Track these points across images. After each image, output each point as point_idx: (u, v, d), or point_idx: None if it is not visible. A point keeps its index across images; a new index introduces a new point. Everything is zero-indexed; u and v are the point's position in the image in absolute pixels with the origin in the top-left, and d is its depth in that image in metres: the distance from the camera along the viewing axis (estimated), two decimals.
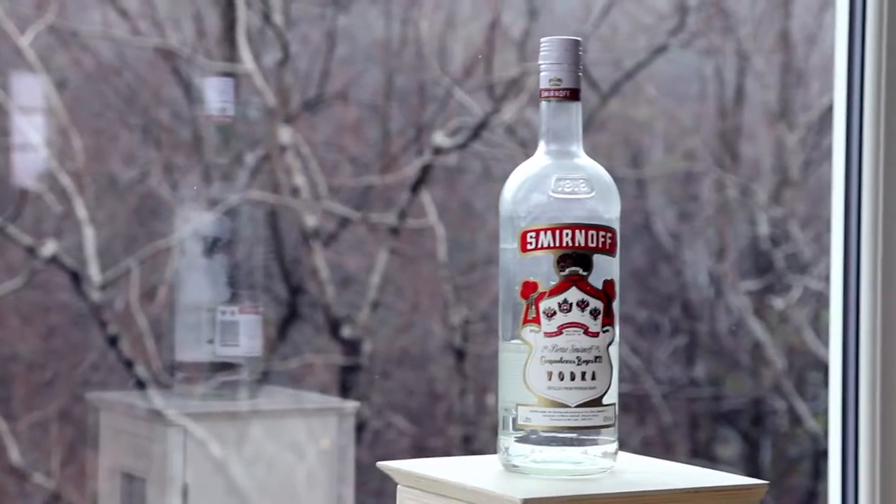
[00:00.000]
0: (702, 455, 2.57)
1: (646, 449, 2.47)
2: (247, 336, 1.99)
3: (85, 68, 2.17)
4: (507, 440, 1.24)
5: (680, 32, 2.54)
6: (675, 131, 2.63)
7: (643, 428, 2.54)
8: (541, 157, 1.26)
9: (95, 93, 2.18)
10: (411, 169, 2.36)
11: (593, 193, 1.24)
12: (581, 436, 1.22)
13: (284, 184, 2.26)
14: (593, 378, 1.22)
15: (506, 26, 2.43)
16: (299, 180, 2.26)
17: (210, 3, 2.23)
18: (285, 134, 2.27)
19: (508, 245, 1.24)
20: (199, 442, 1.97)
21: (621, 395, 1.25)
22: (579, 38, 1.27)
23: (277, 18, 2.27)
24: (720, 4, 2.58)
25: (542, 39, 1.26)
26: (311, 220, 2.29)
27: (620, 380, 1.25)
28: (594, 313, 1.22)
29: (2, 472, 2.07)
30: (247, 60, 2.22)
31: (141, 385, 2.11)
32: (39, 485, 2.10)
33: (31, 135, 2.10)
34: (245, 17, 2.24)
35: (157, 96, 2.22)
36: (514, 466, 1.24)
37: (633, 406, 2.51)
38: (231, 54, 2.22)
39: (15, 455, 2.08)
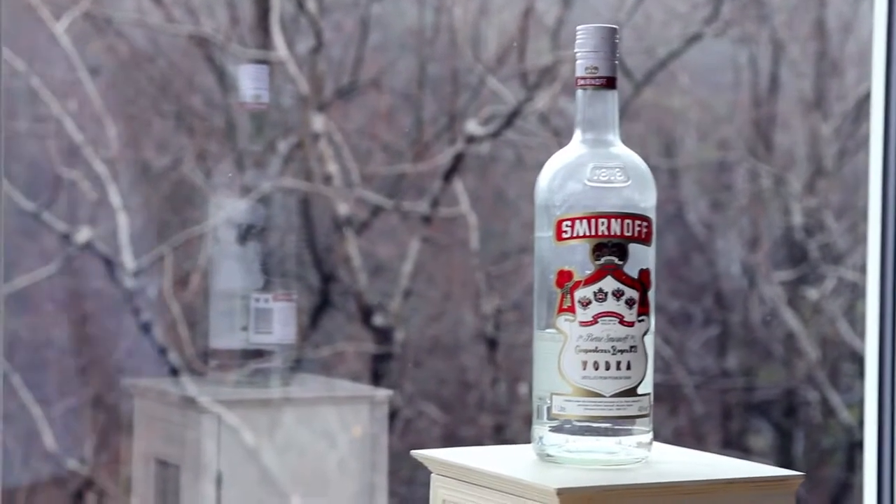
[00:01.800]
0: (734, 446, 2.56)
1: (678, 439, 2.46)
2: (280, 323, 1.99)
3: (119, 55, 2.17)
4: (541, 429, 1.23)
5: (714, 21, 2.53)
6: (709, 120, 2.61)
7: (675, 418, 2.53)
8: (577, 146, 1.25)
9: (129, 80, 2.18)
10: (444, 157, 2.35)
11: (629, 182, 1.23)
12: (616, 426, 1.22)
13: (317, 171, 2.26)
14: (628, 368, 1.21)
15: (539, 14, 2.42)
16: (332, 168, 2.26)
17: None
18: (318, 121, 2.27)
19: (543, 233, 1.24)
20: (232, 429, 1.97)
21: (653, 386, 1.25)
22: (616, 27, 1.26)
23: (311, 6, 2.27)
24: None
25: (579, 27, 1.25)
26: (343, 208, 2.29)
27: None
28: (630, 303, 1.21)
29: (36, 457, 2.08)
30: (280, 48, 2.22)
31: (174, 372, 2.12)
32: (73, 471, 2.11)
33: (66, 122, 2.10)
34: (279, 4, 2.24)
35: (190, 83, 2.22)
36: (549, 456, 1.23)
37: (665, 396, 2.50)
38: (264, 42, 2.22)
39: (49, 441, 2.09)
